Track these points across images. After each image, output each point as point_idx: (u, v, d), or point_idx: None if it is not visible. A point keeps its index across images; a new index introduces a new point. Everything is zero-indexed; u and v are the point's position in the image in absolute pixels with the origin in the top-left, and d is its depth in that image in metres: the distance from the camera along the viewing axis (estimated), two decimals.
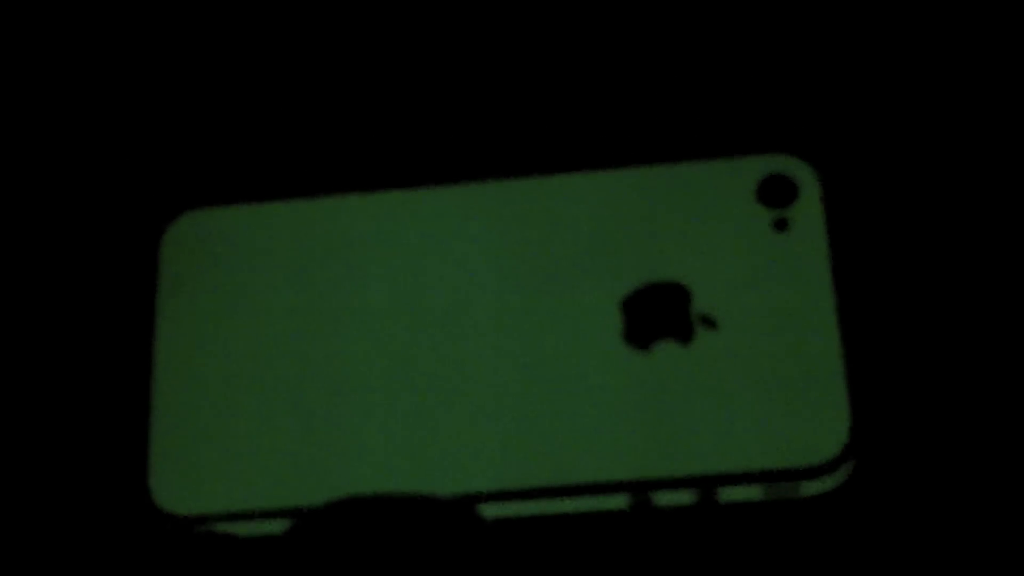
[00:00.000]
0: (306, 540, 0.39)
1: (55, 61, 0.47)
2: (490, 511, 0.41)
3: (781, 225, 0.43)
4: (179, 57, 0.47)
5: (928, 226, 0.43)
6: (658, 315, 0.42)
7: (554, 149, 0.45)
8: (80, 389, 0.43)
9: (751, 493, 0.41)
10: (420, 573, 0.38)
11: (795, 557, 0.40)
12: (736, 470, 0.40)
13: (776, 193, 0.43)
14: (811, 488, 0.40)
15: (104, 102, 0.47)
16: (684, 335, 0.42)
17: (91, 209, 0.46)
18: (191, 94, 0.47)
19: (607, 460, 0.41)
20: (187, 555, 0.40)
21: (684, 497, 0.41)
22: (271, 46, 0.47)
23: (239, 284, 0.44)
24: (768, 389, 0.41)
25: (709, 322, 0.42)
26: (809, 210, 0.43)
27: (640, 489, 0.40)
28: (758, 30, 0.45)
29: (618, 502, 0.41)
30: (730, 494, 0.41)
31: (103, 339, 0.44)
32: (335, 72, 0.47)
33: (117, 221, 0.45)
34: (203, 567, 0.40)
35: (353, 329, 0.43)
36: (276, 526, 0.41)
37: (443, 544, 0.39)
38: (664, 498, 0.41)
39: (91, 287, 0.45)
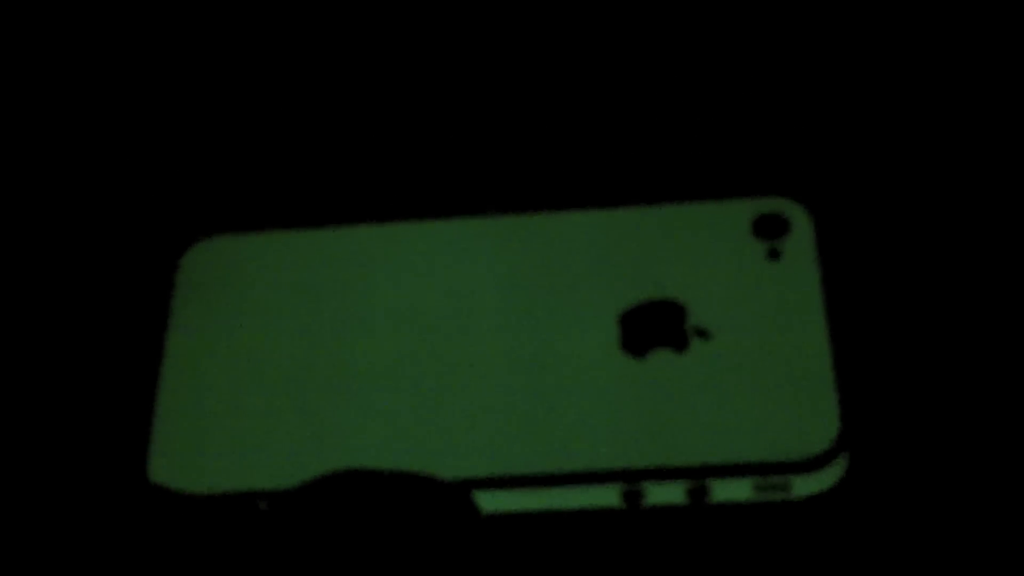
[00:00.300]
0: (292, 509, 0.39)
1: (89, 93, 0.50)
2: (487, 501, 0.41)
3: (774, 255, 0.44)
4: (211, 98, 0.50)
5: (911, 251, 0.45)
6: (655, 328, 0.43)
7: (570, 191, 0.47)
8: (92, 385, 0.45)
9: (743, 492, 0.41)
10: (403, 547, 0.39)
11: (787, 559, 0.40)
12: (727, 461, 0.41)
13: (770, 228, 0.45)
14: (802, 488, 0.41)
15: (136, 133, 0.50)
16: (679, 345, 0.43)
17: (118, 232, 0.48)
18: (220, 131, 0.49)
19: (600, 450, 0.41)
20: (166, 517, 0.40)
21: (676, 494, 0.41)
22: (293, 86, 0.50)
23: (250, 301, 0.46)
24: (759, 390, 0.42)
25: (703, 333, 0.43)
26: (801, 242, 0.44)
27: (631, 478, 0.41)
28: (756, 87, 0.48)
29: (610, 495, 0.41)
30: (722, 491, 0.41)
31: (117, 344, 0.45)
32: (352, 111, 0.49)
33: (143, 244, 0.47)
34: (182, 531, 0.40)
35: (360, 336, 0.44)
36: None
37: (428, 519, 0.39)
38: (656, 494, 0.41)
39: (112, 301, 0.46)
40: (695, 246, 0.45)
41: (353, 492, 0.40)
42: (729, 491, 0.41)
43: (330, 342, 0.44)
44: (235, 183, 0.48)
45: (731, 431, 0.41)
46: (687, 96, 0.49)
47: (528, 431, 0.42)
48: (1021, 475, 0.41)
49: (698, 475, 0.41)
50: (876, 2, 0.49)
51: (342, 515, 0.40)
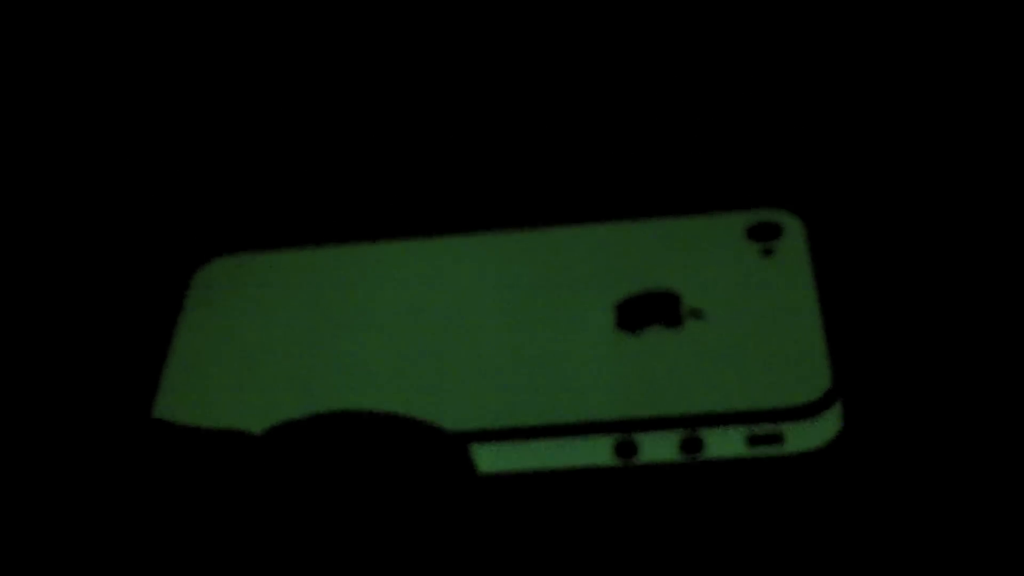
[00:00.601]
0: (278, 443, 0.40)
1: (114, 123, 0.53)
2: (482, 459, 0.42)
3: (767, 253, 0.46)
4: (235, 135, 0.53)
5: (898, 249, 0.46)
6: (650, 311, 0.44)
7: (569, 208, 0.49)
8: (98, 384, 0.46)
9: (736, 445, 0.41)
10: (392, 488, 0.39)
11: (781, 519, 0.40)
12: (719, 410, 0.41)
13: (763, 233, 0.46)
14: (795, 441, 0.41)
15: (155, 164, 0.52)
16: (673, 323, 0.44)
17: (138, 250, 0.50)
18: (231, 161, 0.52)
19: (593, 404, 0.42)
20: (161, 447, 0.40)
21: (669, 448, 0.41)
22: (305, 114, 0.53)
23: (258, 307, 0.47)
24: (751, 352, 0.42)
25: (697, 314, 0.44)
26: (792, 242, 0.46)
27: (624, 428, 0.41)
28: (752, 109, 0.51)
29: (603, 449, 0.41)
30: (715, 444, 0.41)
31: (126, 346, 0.47)
32: (357, 134, 0.52)
33: (159, 263, 0.49)
34: (175, 460, 0.40)
35: (366, 329, 0.45)
36: None
37: (421, 462, 0.39)
38: (649, 448, 0.41)
39: (128, 313, 0.48)
40: (691, 248, 0.46)
41: (345, 429, 0.40)
42: (722, 444, 0.41)
43: (334, 336, 0.45)
44: (248, 206, 0.51)
45: (723, 385, 0.42)
46: (679, 118, 0.51)
47: (523, 391, 0.42)
48: (1013, 452, 0.41)
49: (690, 424, 0.41)
50: (857, 31, 0.52)
51: (332, 451, 0.40)
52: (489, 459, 0.42)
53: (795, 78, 0.52)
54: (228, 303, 0.47)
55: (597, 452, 0.41)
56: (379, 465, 0.39)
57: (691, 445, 0.41)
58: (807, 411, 0.41)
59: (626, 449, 0.41)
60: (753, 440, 0.41)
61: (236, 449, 0.40)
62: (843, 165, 0.49)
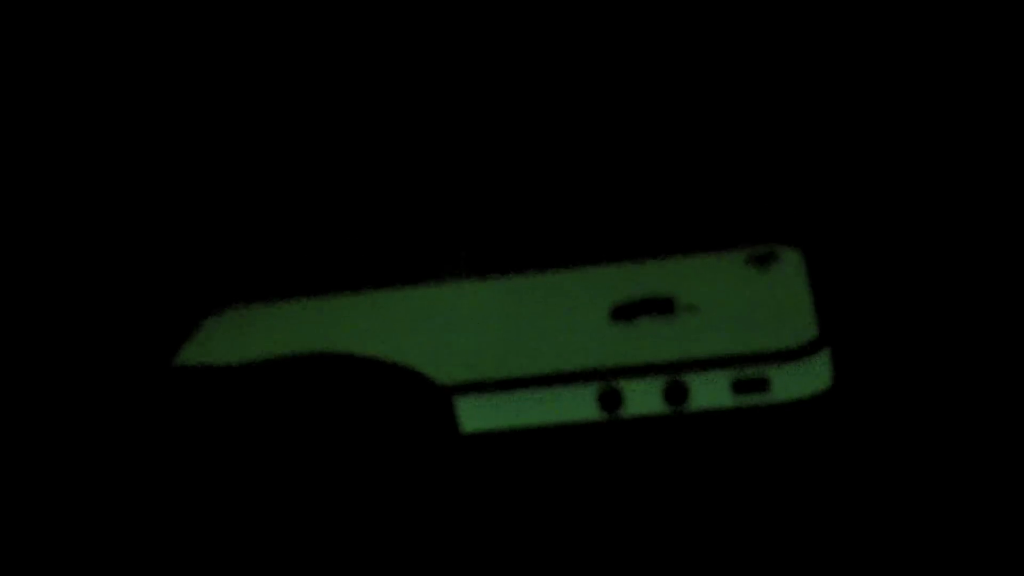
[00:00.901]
0: (254, 377, 0.40)
1: (142, 174, 0.55)
2: (468, 416, 0.41)
3: (764, 270, 0.46)
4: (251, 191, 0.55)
5: (888, 247, 0.46)
6: (646, 308, 0.44)
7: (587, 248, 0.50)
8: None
9: (722, 394, 0.40)
10: (370, 430, 0.39)
11: (770, 473, 0.39)
12: (703, 356, 0.40)
13: (762, 257, 0.46)
14: (782, 388, 0.40)
15: (172, 225, 0.54)
16: (667, 314, 0.44)
17: (156, 301, 0.51)
18: (237, 221, 0.54)
19: (576, 357, 0.41)
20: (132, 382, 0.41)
21: (653, 398, 0.40)
22: (313, 176, 0.55)
23: (252, 352, 0.47)
24: (740, 315, 0.42)
25: (692, 309, 0.44)
26: (789, 261, 0.46)
27: (606, 376, 0.40)
28: (751, 152, 0.52)
29: (587, 399, 0.40)
30: (700, 392, 0.40)
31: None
32: (365, 190, 0.53)
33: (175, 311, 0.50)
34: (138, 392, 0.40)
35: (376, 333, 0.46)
36: None
37: (400, 406, 0.39)
38: (633, 398, 0.40)
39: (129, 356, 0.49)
40: (690, 268, 0.46)
41: (328, 366, 0.40)
42: (707, 392, 0.40)
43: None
44: (255, 260, 0.52)
45: (709, 334, 0.41)
46: (679, 167, 0.52)
47: (511, 351, 0.42)
48: (1001, 410, 0.39)
49: (674, 370, 0.40)
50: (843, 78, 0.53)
51: (303, 387, 0.40)
52: (475, 414, 0.41)
53: (792, 118, 0.53)
54: (222, 351, 0.47)
55: (581, 405, 0.41)
56: (359, 400, 0.39)
57: (675, 393, 0.40)
58: (791, 355, 0.40)
59: (610, 399, 0.40)
60: (738, 386, 0.40)
61: (215, 378, 0.40)
62: (836, 204, 0.50)
